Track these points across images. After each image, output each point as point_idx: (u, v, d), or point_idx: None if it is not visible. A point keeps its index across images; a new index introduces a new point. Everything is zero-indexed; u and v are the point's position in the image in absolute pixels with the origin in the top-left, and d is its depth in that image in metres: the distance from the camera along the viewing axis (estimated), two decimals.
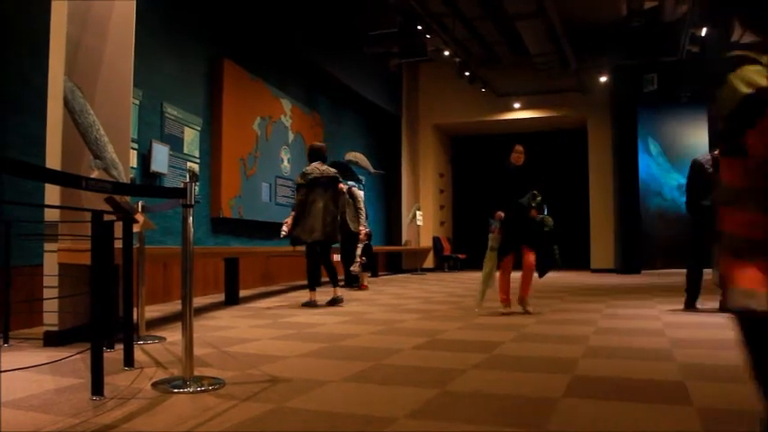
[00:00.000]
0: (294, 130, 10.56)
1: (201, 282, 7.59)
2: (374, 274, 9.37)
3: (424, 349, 3.84)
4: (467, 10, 10.98)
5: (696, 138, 14.52)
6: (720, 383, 2.85)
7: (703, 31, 10.33)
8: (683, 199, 6.16)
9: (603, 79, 13.63)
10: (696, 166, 5.88)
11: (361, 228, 8.94)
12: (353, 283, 9.16)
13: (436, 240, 15.86)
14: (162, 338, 4.21)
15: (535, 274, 5.82)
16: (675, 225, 14.75)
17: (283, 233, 6.87)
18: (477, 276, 6.00)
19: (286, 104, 10.29)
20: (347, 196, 9.16)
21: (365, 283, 9.15)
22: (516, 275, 5.73)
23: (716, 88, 1.54)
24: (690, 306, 5.82)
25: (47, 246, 4.01)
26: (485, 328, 4.83)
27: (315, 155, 6.86)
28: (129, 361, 3.27)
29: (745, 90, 1.45)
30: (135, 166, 6.58)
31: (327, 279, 6.92)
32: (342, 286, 8.97)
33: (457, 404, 2.51)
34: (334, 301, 6.58)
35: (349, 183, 9.72)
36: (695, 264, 5.87)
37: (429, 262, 15.56)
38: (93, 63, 4.34)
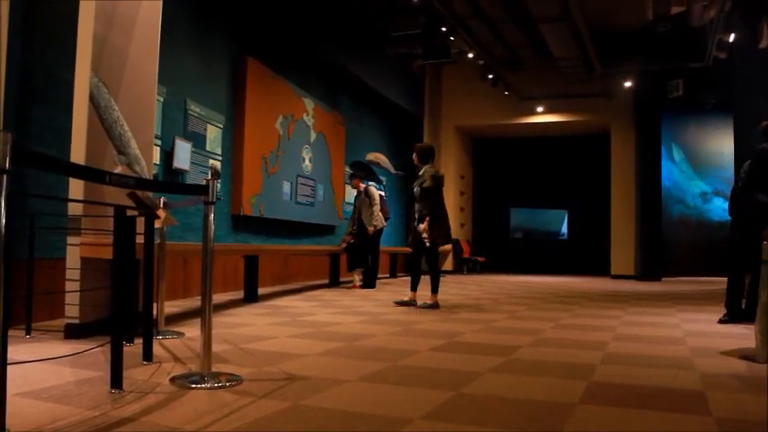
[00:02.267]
0: (316, 130, 10.59)
1: (221, 278, 7.65)
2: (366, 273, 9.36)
3: (440, 351, 3.83)
4: (491, 12, 10.94)
5: (721, 145, 14.34)
6: (741, 394, 2.81)
7: (731, 37, 10.20)
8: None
9: (628, 84, 13.52)
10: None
11: (370, 228, 8.97)
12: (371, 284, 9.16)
13: (456, 242, 15.80)
14: (180, 334, 4.24)
15: None
16: (697, 233, 14.60)
17: (427, 242, 6.36)
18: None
19: (308, 103, 10.32)
20: (363, 195, 9.18)
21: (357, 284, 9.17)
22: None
23: None
24: (733, 319, 5.18)
25: (69, 239, 4.06)
26: (503, 331, 4.80)
27: (428, 155, 6.67)
28: (147, 355, 3.29)
29: None
30: (158, 162, 6.64)
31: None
32: (360, 287, 9.00)
33: (472, 407, 2.50)
34: (432, 306, 6.49)
35: (370, 183, 9.73)
36: (737, 269, 5.21)
37: (448, 264, 15.51)
38: (119, 61, 4.39)
